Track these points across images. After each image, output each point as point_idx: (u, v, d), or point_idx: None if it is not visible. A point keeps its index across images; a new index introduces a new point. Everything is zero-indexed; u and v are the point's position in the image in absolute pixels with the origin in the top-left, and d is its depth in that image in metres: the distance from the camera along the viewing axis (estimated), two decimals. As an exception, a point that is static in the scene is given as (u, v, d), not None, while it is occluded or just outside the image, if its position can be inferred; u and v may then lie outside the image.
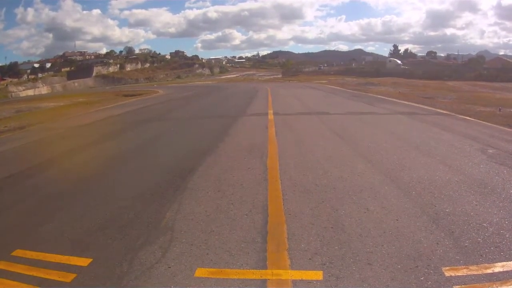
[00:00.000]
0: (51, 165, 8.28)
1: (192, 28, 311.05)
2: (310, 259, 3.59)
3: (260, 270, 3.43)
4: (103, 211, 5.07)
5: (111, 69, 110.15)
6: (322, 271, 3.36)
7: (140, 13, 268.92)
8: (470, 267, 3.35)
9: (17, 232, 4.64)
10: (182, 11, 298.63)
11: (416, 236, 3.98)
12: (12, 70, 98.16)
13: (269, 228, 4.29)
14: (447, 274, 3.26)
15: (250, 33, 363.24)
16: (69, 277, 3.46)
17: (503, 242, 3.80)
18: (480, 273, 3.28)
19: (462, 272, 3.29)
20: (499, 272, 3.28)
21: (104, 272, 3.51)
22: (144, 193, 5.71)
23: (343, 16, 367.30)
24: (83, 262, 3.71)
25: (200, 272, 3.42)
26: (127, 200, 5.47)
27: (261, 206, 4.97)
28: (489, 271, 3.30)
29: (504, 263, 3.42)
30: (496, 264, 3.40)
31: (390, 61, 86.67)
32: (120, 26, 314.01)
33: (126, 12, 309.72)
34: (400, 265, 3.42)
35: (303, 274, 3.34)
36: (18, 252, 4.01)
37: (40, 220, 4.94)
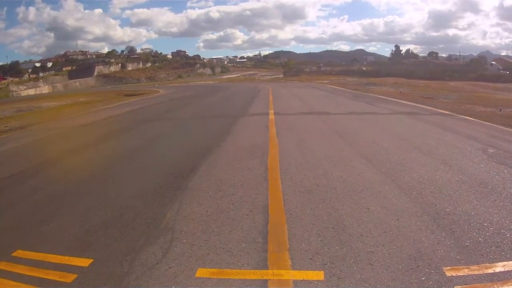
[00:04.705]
0: (52, 165, 8.30)
1: (194, 28, 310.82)
2: (311, 259, 3.59)
3: (261, 270, 3.43)
4: (104, 211, 5.08)
5: (113, 68, 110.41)
6: (323, 271, 3.36)
7: (142, 13, 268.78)
8: (471, 267, 3.35)
9: (18, 232, 4.65)
10: (184, 11, 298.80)
11: (417, 235, 3.98)
12: (13, 69, 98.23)
13: (270, 228, 4.29)
14: (448, 274, 3.26)
15: (252, 33, 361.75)
16: (70, 278, 3.47)
17: (504, 242, 3.80)
18: (481, 273, 3.27)
19: (463, 272, 3.28)
20: (500, 272, 3.27)
21: (105, 273, 3.51)
22: (144, 193, 5.72)
23: (345, 16, 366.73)
24: (84, 262, 3.72)
25: (201, 273, 3.43)
26: (127, 200, 5.49)
27: (261, 206, 4.97)
28: (490, 270, 3.30)
29: (505, 262, 3.41)
30: (497, 264, 3.39)
31: (491, 64, 71.37)
32: (122, 25, 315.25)
33: (128, 12, 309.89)
34: (401, 265, 3.42)
35: (304, 274, 3.34)
36: (19, 253, 4.02)
37: (41, 220, 4.95)
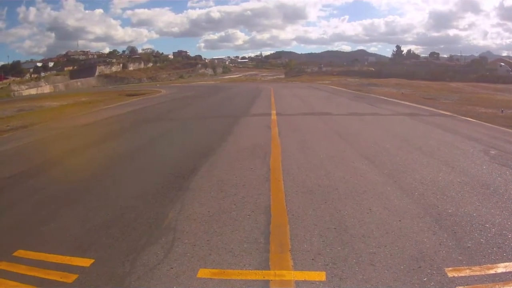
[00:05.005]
0: (53, 164, 8.29)
1: (195, 28, 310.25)
2: (313, 259, 3.58)
3: (263, 271, 3.42)
4: (105, 211, 5.07)
5: (114, 68, 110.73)
6: (325, 272, 3.35)
7: (143, 13, 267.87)
8: (473, 268, 3.35)
9: (19, 232, 4.64)
10: (185, 11, 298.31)
11: (419, 236, 3.97)
12: (14, 69, 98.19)
13: (272, 229, 4.29)
14: (450, 274, 3.25)
15: (253, 33, 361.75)
16: (71, 278, 3.46)
17: (506, 243, 3.79)
18: (483, 273, 3.27)
19: (465, 272, 3.28)
20: (502, 273, 3.27)
21: (106, 273, 3.50)
22: (146, 193, 5.71)
23: (346, 17, 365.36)
24: (85, 262, 3.71)
25: (202, 273, 3.42)
26: (129, 200, 5.48)
27: (263, 207, 4.96)
28: (491, 271, 3.29)
29: (507, 263, 3.41)
30: (499, 265, 3.39)
31: (501, 66, 69.01)
32: (123, 25, 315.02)
33: (129, 12, 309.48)
34: (403, 265, 3.41)
35: (306, 275, 3.33)
36: (20, 253, 4.01)
37: (42, 220, 4.94)
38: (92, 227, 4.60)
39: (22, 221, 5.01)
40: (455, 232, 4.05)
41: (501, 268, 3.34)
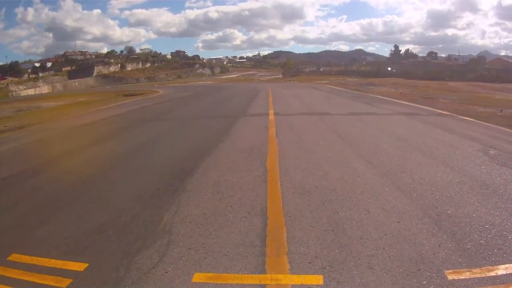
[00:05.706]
0: (49, 166, 8.21)
1: (193, 28, 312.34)
2: (310, 263, 3.53)
3: (259, 275, 3.37)
4: (100, 214, 5.01)
5: (112, 68, 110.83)
6: (322, 275, 3.31)
7: (141, 13, 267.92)
8: (473, 270, 3.31)
9: (14, 235, 4.59)
10: (183, 11, 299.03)
11: (418, 238, 3.93)
12: (12, 70, 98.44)
13: (268, 231, 4.24)
14: (449, 277, 3.21)
15: (251, 33, 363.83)
16: (65, 283, 3.41)
17: (506, 244, 3.76)
18: (483, 276, 3.23)
19: (465, 275, 3.24)
20: (503, 275, 3.24)
21: (100, 277, 3.45)
22: (141, 195, 5.66)
23: (344, 16, 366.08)
24: (79, 266, 3.66)
25: (197, 277, 3.37)
26: (125, 202, 5.43)
27: (260, 209, 4.91)
28: (492, 273, 3.26)
29: (507, 265, 3.38)
30: (499, 267, 3.35)
31: None
32: (120, 26, 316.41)
33: (127, 12, 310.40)
34: (402, 268, 3.37)
35: (303, 279, 3.29)
36: (14, 257, 3.96)
37: (37, 223, 4.89)
38: (87, 230, 4.54)
39: (18, 224, 4.96)
40: (454, 234, 4.01)
41: (501, 270, 3.31)
